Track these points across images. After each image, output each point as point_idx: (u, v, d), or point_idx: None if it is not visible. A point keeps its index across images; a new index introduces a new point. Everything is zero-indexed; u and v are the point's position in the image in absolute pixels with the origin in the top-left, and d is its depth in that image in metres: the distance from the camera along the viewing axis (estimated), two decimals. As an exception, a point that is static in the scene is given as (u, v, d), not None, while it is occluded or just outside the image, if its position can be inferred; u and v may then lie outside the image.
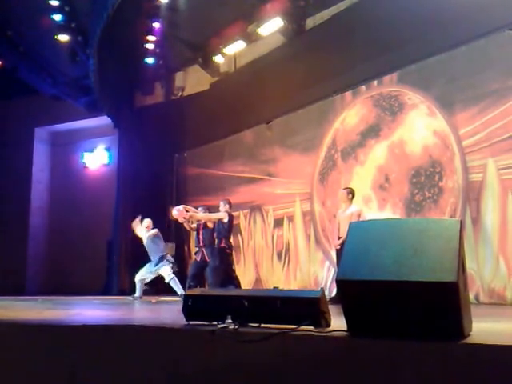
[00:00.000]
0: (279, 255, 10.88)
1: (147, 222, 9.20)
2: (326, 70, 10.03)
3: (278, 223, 11.02)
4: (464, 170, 7.79)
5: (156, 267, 8.83)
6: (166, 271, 8.72)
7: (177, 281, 8.63)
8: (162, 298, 9.18)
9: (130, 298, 9.20)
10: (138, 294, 8.99)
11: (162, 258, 8.84)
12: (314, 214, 10.32)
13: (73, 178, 15.39)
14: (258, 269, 11.37)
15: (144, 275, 9.01)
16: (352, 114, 9.75)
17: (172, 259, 9.02)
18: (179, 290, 8.50)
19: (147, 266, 8.97)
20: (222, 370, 2.61)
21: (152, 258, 8.92)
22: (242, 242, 11.77)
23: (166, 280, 8.73)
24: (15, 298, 8.81)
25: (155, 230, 9.08)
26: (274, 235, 11.01)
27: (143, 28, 11.77)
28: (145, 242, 9.05)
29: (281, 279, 10.64)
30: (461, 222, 2.46)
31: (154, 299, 8.73)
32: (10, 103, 15.01)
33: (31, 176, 15.33)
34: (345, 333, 2.45)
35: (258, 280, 11.27)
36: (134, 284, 9.22)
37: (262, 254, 11.37)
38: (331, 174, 10.03)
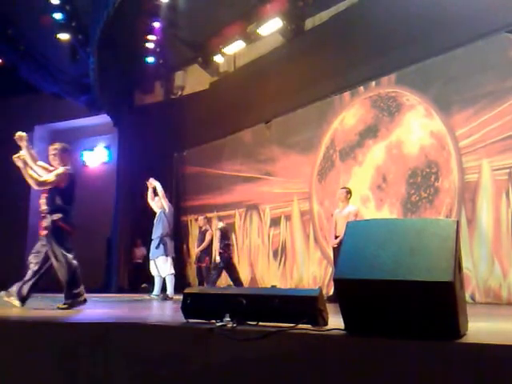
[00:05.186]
0: (275, 254, 10.91)
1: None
2: (325, 70, 10.06)
3: (275, 222, 11.04)
4: (460, 170, 7.84)
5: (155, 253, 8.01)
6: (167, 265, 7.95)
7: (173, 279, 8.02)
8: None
9: (148, 296, 8.37)
10: (155, 291, 8.11)
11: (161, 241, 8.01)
12: (312, 213, 10.35)
13: (72, 176, 15.37)
14: (254, 268, 11.39)
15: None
16: (350, 114, 9.78)
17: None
18: (170, 290, 7.95)
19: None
20: (220, 367, 2.63)
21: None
22: (237, 240, 11.78)
23: (163, 274, 8.00)
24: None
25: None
26: (270, 234, 11.04)
27: (143, 27, 11.80)
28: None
29: (277, 278, 10.67)
30: (457, 222, 2.49)
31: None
32: (10, 101, 14.99)
33: (30, 174, 15.30)
34: (342, 331, 2.47)
35: (253, 279, 11.28)
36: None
37: (257, 252, 11.38)
38: (329, 173, 10.06)
